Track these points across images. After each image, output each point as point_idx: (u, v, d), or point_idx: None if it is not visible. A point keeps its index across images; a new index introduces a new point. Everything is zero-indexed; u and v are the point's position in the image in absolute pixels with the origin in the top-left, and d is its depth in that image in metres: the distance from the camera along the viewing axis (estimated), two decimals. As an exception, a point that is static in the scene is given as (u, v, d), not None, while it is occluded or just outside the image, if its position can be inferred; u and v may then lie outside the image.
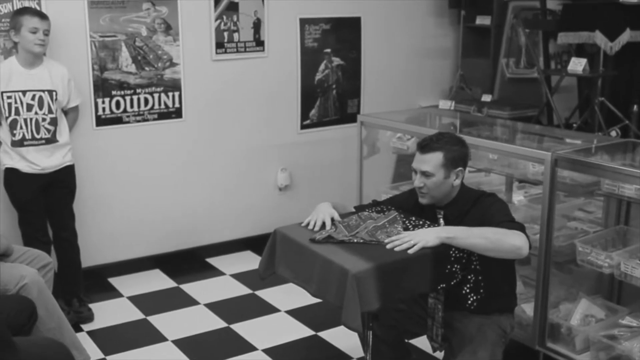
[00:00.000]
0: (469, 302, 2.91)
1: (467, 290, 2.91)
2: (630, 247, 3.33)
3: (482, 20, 5.74)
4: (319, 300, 3.13)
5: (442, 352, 3.07)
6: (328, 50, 5.28)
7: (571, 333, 3.31)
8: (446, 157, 2.87)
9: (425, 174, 2.88)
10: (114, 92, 4.46)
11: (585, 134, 4.46)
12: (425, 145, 2.89)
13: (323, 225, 2.93)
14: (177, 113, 4.72)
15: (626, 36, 4.82)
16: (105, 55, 4.39)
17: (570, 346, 3.31)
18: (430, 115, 4.91)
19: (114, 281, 4.62)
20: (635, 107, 4.90)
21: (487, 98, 5.60)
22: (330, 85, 5.36)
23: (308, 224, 2.96)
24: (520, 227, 2.76)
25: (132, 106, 4.54)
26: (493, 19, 5.71)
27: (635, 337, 3.17)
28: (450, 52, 5.97)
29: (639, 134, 4.79)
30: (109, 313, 4.18)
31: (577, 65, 4.91)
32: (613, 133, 4.80)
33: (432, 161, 2.87)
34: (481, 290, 2.90)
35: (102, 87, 4.42)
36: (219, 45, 4.80)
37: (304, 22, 5.13)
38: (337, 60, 5.35)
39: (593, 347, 3.24)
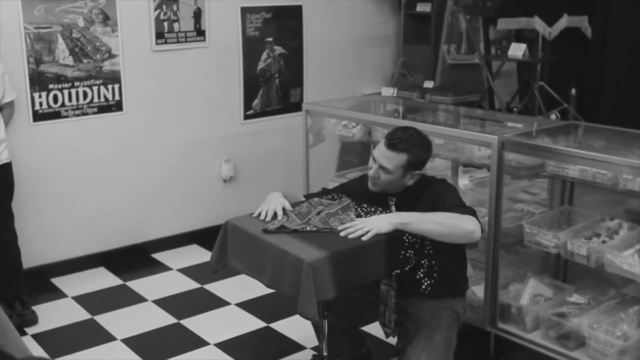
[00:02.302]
0: (423, 286, 2.94)
1: (421, 275, 2.93)
2: (575, 227, 3.41)
3: (423, 7, 5.79)
4: (269, 291, 3.12)
5: (395, 338, 3.10)
6: (270, 39, 5.25)
7: (521, 313, 3.38)
8: (409, 161, 2.86)
9: (383, 169, 2.88)
10: (51, 86, 4.35)
11: (527, 117, 4.55)
12: (394, 144, 2.85)
13: (275, 216, 2.91)
14: (118, 106, 4.63)
15: (564, 21, 4.94)
16: (41, 47, 4.27)
17: (521, 325, 3.38)
18: (375, 102, 4.94)
19: (58, 281, 4.52)
20: (573, 90, 5.01)
21: (429, 84, 5.66)
22: (273, 75, 5.34)
23: (259, 215, 2.94)
24: (472, 212, 2.79)
25: (70, 100, 4.44)
26: (433, 6, 5.76)
27: (583, 314, 3.25)
28: (391, 40, 6.01)
29: (578, 116, 4.91)
30: (53, 315, 4.09)
31: (517, 50, 5.00)
32: (552, 116, 4.91)
33: (394, 160, 2.86)
34: (435, 275, 2.93)
35: (39, 81, 4.30)
36: (159, 35, 4.72)
37: (245, 11, 5.08)
38: (279, 49, 5.33)
39: (543, 325, 3.32)
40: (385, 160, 2.86)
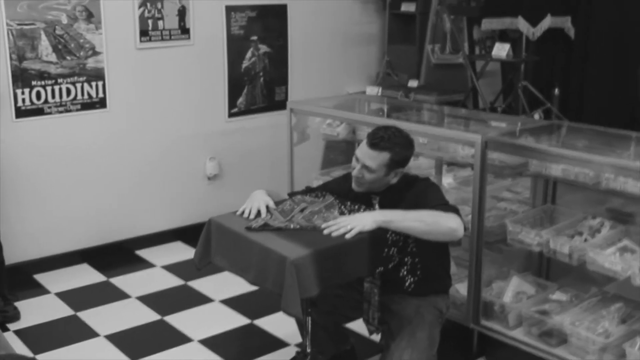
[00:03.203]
0: (407, 284, 2.94)
1: (405, 273, 2.93)
2: (558, 225, 3.43)
3: (407, 7, 5.79)
4: (252, 288, 3.13)
5: (379, 335, 3.10)
6: (254, 37, 5.24)
7: (504, 310, 3.39)
8: (392, 159, 2.86)
9: (367, 168, 2.88)
10: (34, 83, 4.31)
11: (510, 117, 4.57)
12: (376, 144, 2.85)
13: (258, 214, 2.91)
14: (101, 103, 4.60)
15: (547, 22, 4.96)
16: (24, 44, 4.23)
17: (504, 323, 3.39)
18: (359, 101, 4.93)
19: (40, 277, 4.48)
20: (556, 90, 5.03)
21: (413, 84, 5.66)
22: (258, 73, 5.32)
23: (243, 213, 2.93)
24: (455, 210, 2.80)
25: (53, 97, 4.40)
26: (418, 6, 5.76)
27: (565, 311, 3.27)
28: (376, 39, 6.01)
29: (561, 116, 4.93)
30: (36, 311, 4.05)
31: (501, 50, 5.01)
32: (536, 116, 4.92)
33: (377, 159, 2.85)
34: (418, 272, 2.93)
35: (22, 78, 4.26)
36: (143, 33, 4.69)
37: (230, 10, 5.06)
38: (263, 48, 5.31)
39: (525, 323, 3.33)
40: (368, 159, 2.86)
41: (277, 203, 2.99)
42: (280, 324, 3.80)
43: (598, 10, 4.93)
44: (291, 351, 3.61)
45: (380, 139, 2.86)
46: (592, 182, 3.12)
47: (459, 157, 3.61)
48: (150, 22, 4.71)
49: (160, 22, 4.75)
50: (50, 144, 4.46)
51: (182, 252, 4.88)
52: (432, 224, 2.70)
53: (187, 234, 5.05)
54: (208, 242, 2.94)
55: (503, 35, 5.50)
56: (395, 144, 2.87)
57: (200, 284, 4.40)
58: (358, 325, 3.44)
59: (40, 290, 4.34)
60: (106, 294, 4.29)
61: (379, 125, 3.02)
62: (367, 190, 2.96)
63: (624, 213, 3.42)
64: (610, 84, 4.91)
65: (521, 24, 4.95)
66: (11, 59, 4.21)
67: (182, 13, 4.84)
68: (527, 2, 4.99)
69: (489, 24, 5.15)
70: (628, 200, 3.26)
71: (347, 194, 3.06)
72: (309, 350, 2.95)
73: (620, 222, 3.36)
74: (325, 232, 2.71)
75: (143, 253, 4.91)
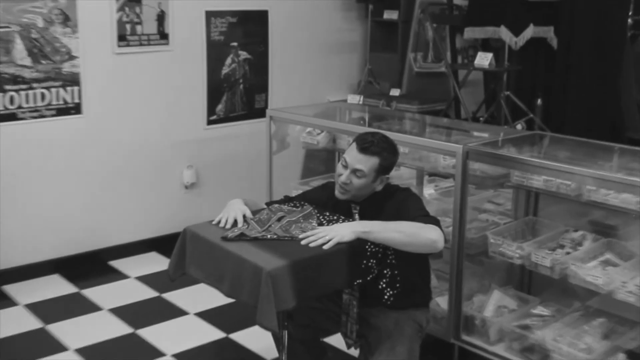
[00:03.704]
0: (386, 297, 2.91)
1: (384, 285, 2.90)
2: (540, 238, 3.41)
3: (390, 15, 5.79)
4: (229, 301, 3.08)
5: (357, 349, 3.06)
6: (235, 43, 5.20)
7: (485, 324, 3.37)
8: (381, 164, 2.87)
9: (357, 173, 2.86)
10: (7, 87, 4.24)
11: (493, 127, 4.56)
12: (366, 148, 2.86)
13: (235, 223, 2.87)
14: (77, 109, 4.54)
15: (530, 31, 4.97)
16: (-3, 47, 4.17)
17: (485, 337, 3.36)
18: (340, 109, 4.91)
19: (9, 289, 4.40)
20: (539, 100, 5.04)
21: (395, 92, 5.66)
22: (237, 80, 5.28)
23: (219, 222, 2.89)
24: (435, 221, 2.78)
25: (27, 102, 4.33)
26: (400, 14, 5.76)
27: (547, 326, 3.25)
28: (358, 47, 6.00)
29: (543, 126, 4.93)
30: (3, 323, 3.97)
31: (484, 59, 5.01)
32: (519, 126, 4.92)
33: (368, 163, 2.85)
34: (397, 285, 2.90)
35: (-6, 82, 4.20)
36: (121, 38, 4.64)
37: (210, 15, 5.03)
38: (244, 54, 5.28)
39: (507, 338, 3.31)
40: (358, 163, 2.86)
41: (254, 212, 2.96)
42: (256, 338, 3.75)
43: (580, 21, 4.94)
44: (267, 365, 3.56)
45: (370, 143, 2.88)
46: (574, 194, 3.11)
47: (440, 168, 3.60)
48: (128, 26, 4.66)
49: (138, 27, 4.70)
50: (23, 150, 4.39)
51: (157, 262, 4.82)
52: (412, 235, 2.68)
53: (162, 244, 4.99)
54: (183, 252, 2.90)
55: (486, 44, 5.51)
56: (383, 149, 2.89)
57: (175, 296, 4.34)
58: (336, 339, 3.39)
59: (8, 302, 4.26)
60: (77, 306, 4.21)
61: (365, 131, 3.03)
62: (351, 199, 2.94)
63: (606, 226, 3.41)
64: (592, 95, 4.93)
65: (504, 33, 4.95)
66: (-17, 62, 4.15)
67: (161, 18, 4.79)
68: (509, 11, 5.00)
69: (472, 32, 5.15)
70: (610, 213, 3.26)
71: (326, 203, 3.04)
72: (285, 364, 2.90)
73: (602, 235, 3.36)
74: (303, 242, 2.68)
75: (116, 264, 4.84)
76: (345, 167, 2.89)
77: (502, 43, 5.09)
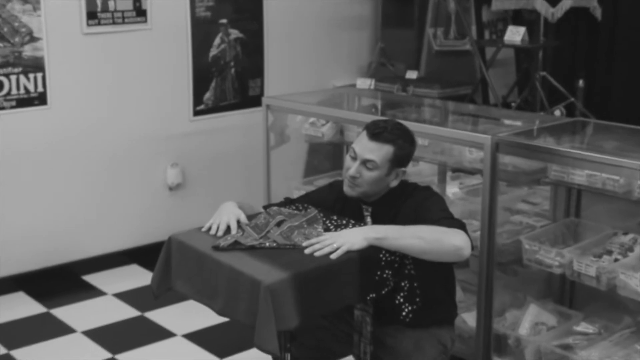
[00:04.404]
0: (404, 313, 2.93)
1: (401, 300, 2.93)
2: (583, 242, 3.43)
3: (405, -15, 5.81)
4: (222, 320, 3.11)
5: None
6: (224, 21, 5.23)
7: (520, 344, 3.39)
8: (396, 154, 2.89)
9: (367, 164, 2.87)
10: (-41, 75, 4.30)
11: (526, 113, 4.59)
12: (378, 134, 2.88)
13: (228, 230, 2.89)
14: (41, 99, 4.58)
15: (569, 1, 4.97)
16: (-52, 29, 4.22)
17: (520, 359, 3.38)
18: (348, 96, 4.94)
19: (-33, 309, 4.46)
20: (580, 82, 5.04)
21: (412, 75, 5.67)
22: (228, 63, 5.32)
23: (210, 229, 2.91)
24: (461, 225, 2.79)
25: (-17, 92, 4.40)
26: (417, -18, 5.79)
27: (592, 345, 3.27)
28: (368, 22, 6.02)
29: (586, 112, 4.94)
30: (-38, 348, 4.03)
31: (515, 34, 5.02)
32: (557, 112, 4.94)
33: (380, 152, 2.86)
34: (417, 300, 2.93)
35: (-55, 69, 4.25)
36: (91, 15, 4.68)
37: (194, -13, 5.08)
38: (235, 33, 5.31)
39: (545, 359, 3.32)
40: (369, 152, 2.88)
41: (250, 217, 2.98)
42: (255, 362, 3.79)
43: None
44: (268, 394, 3.59)
45: (382, 129, 2.90)
46: (623, 191, 3.12)
47: (466, 162, 3.62)
48: (99, 2, 4.70)
49: (111, 3, 4.74)
50: (-21, 149, 4.44)
51: (139, 277, 4.86)
52: (434, 241, 2.70)
53: (144, 255, 5.03)
54: (168, 265, 2.92)
55: (517, 17, 5.53)
56: (397, 136, 2.91)
57: (160, 316, 4.38)
58: (347, 363, 3.43)
59: (-33, 323, 4.32)
60: (46, 328, 4.26)
61: (376, 118, 3.05)
62: (362, 197, 2.96)
63: (661, 228, 3.43)
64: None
65: (538, 3, 4.96)
66: None
67: (137, -8, 4.84)
68: (545, -23, 5.01)
69: (501, 3, 5.16)
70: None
71: (333, 205, 3.06)
72: (288, 393, 2.93)
73: (656, 238, 3.37)
74: (307, 251, 2.70)
75: (91, 278, 4.88)
76: (354, 158, 2.91)
77: (536, 15, 5.10)
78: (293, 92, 4.87)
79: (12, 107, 4.50)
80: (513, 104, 5.29)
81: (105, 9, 4.73)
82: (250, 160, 5.24)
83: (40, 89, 4.58)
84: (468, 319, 3.55)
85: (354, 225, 2.89)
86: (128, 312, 4.46)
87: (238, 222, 2.92)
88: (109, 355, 3.98)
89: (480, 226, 3.39)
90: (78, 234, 4.88)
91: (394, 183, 2.96)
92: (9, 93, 4.47)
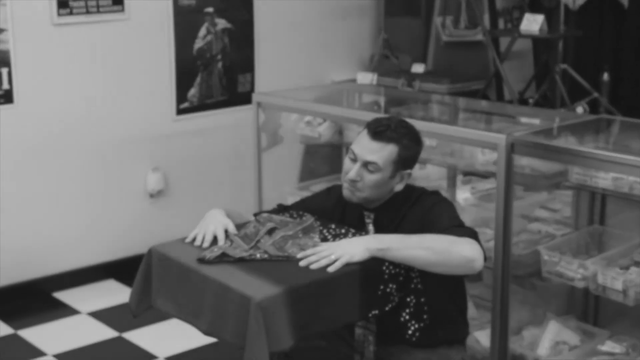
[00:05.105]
0: (410, 332, 2.94)
1: (407, 317, 2.93)
2: (608, 253, 3.44)
3: (410, -32, 5.84)
4: (209, 340, 3.10)
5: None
6: (210, 9, 5.25)
7: (539, 366, 3.40)
8: (400, 155, 2.88)
9: (368, 167, 2.87)
10: None
11: (545, 110, 4.60)
12: (380, 132, 2.87)
13: (214, 240, 2.90)
14: (7, 97, 4.59)
15: (592, -14, 5.00)
16: None
17: (539, 382, 3.40)
18: (348, 92, 4.95)
19: None
20: (605, 75, 5.06)
21: (419, 68, 5.69)
22: (215, 56, 5.33)
23: (194, 239, 2.92)
24: (472, 234, 2.80)
25: (-57, 89, 4.41)
26: (423, -33, 5.81)
27: (619, 367, 3.29)
28: (370, 10, 6.03)
29: (611, 108, 4.96)
30: None
31: (532, 23, 5.04)
32: (579, 109, 4.95)
33: (382, 153, 2.86)
34: (424, 317, 2.93)
35: None
36: (62, 4, 4.69)
37: (176, -27, 5.09)
38: (222, 23, 5.32)
39: (567, 382, 3.34)
40: (370, 153, 2.87)
41: (239, 226, 2.98)
42: (245, 388, 3.78)
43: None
44: (260, 423, 3.59)
45: (385, 127, 2.89)
46: (653, 196, 3.14)
47: (478, 165, 3.63)
48: (71, -11, 4.72)
49: (84, -10, 4.76)
50: (-62, 152, 4.45)
51: (116, 293, 4.86)
52: (442, 252, 2.70)
53: (121, 269, 5.03)
54: (148, 280, 2.93)
55: (535, 4, 5.54)
56: (402, 134, 2.90)
57: (140, 336, 4.38)
58: (348, 388, 3.43)
59: None
60: (13, 351, 4.26)
61: (378, 116, 3.04)
62: (363, 202, 2.96)
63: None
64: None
65: (559, -12, 4.99)
66: None
67: (113, -23, 4.86)
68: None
69: (517, -12, 5.19)
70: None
71: (331, 214, 3.06)
72: (282, 421, 2.94)
73: (688, 247, 3.38)
74: (302, 263, 2.70)
75: (63, 296, 4.89)
76: (354, 160, 2.91)
77: (556, 1, 5.12)
78: (287, 87, 4.88)
79: (-25, 106, 4.53)
80: (530, 100, 5.31)
81: (78, -3, 4.75)
82: (239, 164, 5.25)
83: (5, 86, 4.58)
84: (481, 338, 3.56)
85: (354, 235, 2.89)
86: (104, 332, 4.47)
87: (226, 231, 2.93)
88: (84, 381, 4.00)
89: (495, 235, 3.39)
90: (48, 247, 4.88)
91: (399, 187, 2.96)
92: (-29, 90, 4.50)
